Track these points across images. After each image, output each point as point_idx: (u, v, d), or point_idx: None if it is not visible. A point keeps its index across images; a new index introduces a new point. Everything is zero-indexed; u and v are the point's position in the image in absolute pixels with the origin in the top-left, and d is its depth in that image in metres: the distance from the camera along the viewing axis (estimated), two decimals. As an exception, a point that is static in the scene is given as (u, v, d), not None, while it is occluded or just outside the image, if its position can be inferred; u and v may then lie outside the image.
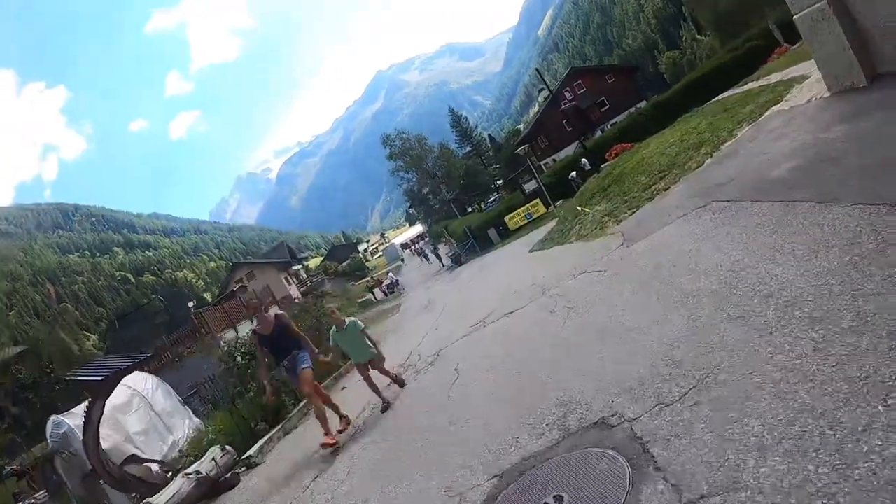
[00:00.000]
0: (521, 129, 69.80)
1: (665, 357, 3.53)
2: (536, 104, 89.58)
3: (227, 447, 8.25)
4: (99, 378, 16.94)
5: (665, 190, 9.37)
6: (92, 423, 10.58)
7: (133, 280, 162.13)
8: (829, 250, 3.45)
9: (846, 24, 5.71)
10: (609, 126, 40.14)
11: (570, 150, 39.22)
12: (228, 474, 7.96)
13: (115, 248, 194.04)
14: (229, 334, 20.37)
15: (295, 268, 58.84)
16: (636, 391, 3.36)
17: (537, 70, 31.38)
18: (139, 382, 12.18)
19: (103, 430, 11.39)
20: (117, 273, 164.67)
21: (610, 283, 6.15)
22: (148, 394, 12.03)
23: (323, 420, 6.63)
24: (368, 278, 43.36)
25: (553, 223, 17.20)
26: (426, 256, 40.97)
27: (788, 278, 3.46)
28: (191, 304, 74.46)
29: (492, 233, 28.29)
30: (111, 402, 12.24)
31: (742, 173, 6.57)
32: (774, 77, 10.87)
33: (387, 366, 7.47)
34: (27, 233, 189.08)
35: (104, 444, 10.99)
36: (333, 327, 7.18)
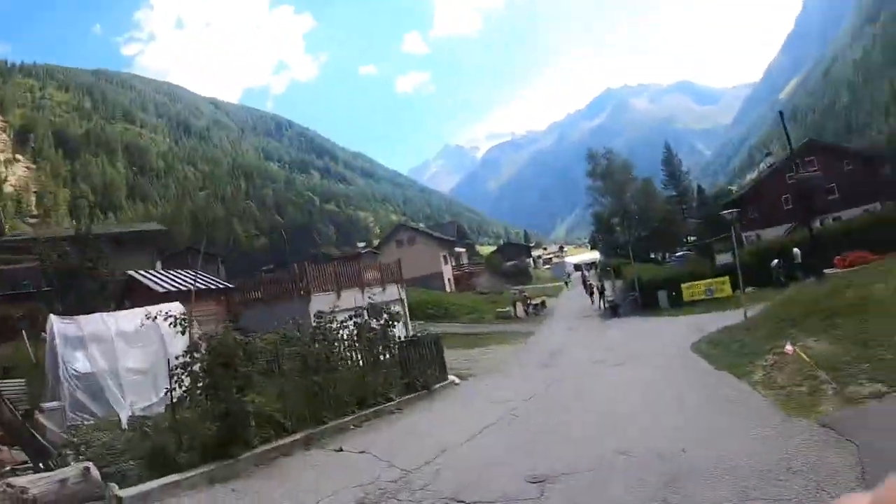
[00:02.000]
0: (733, 191, 60.23)
1: None
2: (757, 170, 77.46)
3: (90, 466, 5.77)
4: (160, 289, 16.17)
5: None
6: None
7: (318, 203, 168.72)
8: None
9: None
10: (832, 219, 33.43)
11: (780, 231, 33.42)
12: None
13: (313, 171, 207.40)
14: (321, 301, 15.90)
15: (458, 249, 57.28)
16: None
17: (781, 114, 25.72)
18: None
19: (92, 350, 9.61)
20: (306, 193, 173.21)
21: None
22: (168, 336, 9.74)
23: None
24: (516, 290, 39.12)
25: (735, 314, 14.95)
26: (588, 288, 36.54)
27: None
28: (362, 245, 75.61)
29: (662, 295, 24.79)
30: (120, 327, 10.59)
31: None
32: None
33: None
34: (241, 130, 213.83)
35: (80, 366, 9.25)
36: None
